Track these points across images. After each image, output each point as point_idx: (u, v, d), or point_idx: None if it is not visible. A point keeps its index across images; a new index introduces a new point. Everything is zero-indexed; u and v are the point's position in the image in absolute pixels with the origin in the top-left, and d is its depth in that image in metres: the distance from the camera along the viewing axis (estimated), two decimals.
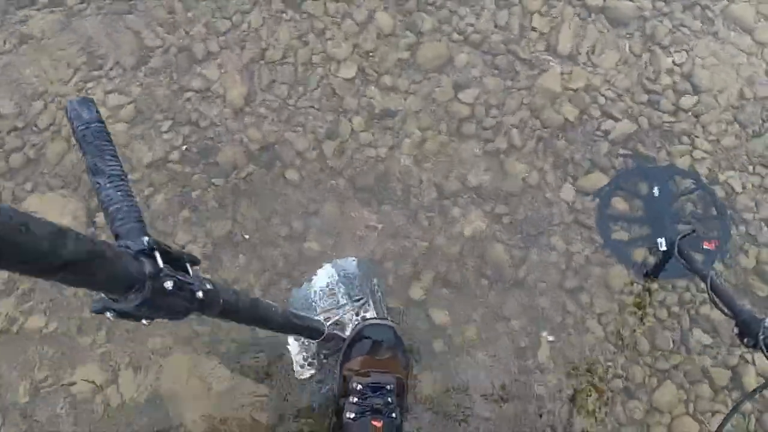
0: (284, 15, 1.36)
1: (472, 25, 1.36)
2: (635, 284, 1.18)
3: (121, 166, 0.51)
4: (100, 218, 1.18)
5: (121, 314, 0.46)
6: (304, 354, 1.10)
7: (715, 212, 1.25)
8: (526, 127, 1.29)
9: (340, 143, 1.25)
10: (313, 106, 1.28)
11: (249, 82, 1.30)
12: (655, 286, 1.18)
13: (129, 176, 1.19)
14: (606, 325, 1.15)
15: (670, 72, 1.35)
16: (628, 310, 1.16)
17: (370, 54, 1.33)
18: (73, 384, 1.08)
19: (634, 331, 1.14)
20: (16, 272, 0.34)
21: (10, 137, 1.25)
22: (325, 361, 1.08)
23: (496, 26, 1.37)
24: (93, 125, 0.48)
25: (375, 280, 1.15)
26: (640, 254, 1.20)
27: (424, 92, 1.30)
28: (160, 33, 1.34)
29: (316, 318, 1.02)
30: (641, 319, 1.15)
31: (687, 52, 1.37)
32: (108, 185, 0.50)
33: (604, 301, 1.16)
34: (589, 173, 1.26)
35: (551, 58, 1.36)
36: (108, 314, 0.45)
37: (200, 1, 1.36)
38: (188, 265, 0.54)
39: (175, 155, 1.23)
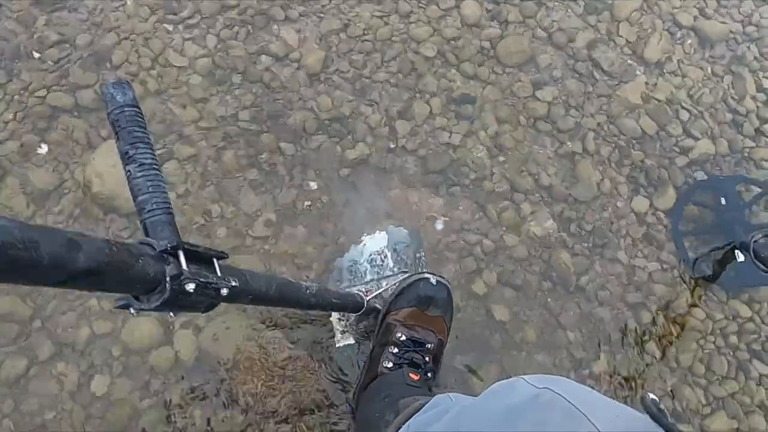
0: None
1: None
2: (699, 305, 1.15)
3: (154, 155, 0.49)
4: None
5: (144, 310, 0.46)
6: (344, 323, 1.09)
7: None
8: (602, 131, 1.26)
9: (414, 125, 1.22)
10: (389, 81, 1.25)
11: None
12: (718, 315, 1.15)
13: (202, 124, 1.18)
14: (664, 346, 1.12)
15: (754, 98, 1.32)
16: (688, 333, 1.14)
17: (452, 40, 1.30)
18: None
19: (694, 356, 1.12)
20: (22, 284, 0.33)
21: None
22: (363, 332, 1.07)
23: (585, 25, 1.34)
24: (127, 110, 0.46)
25: (422, 253, 1.13)
26: (711, 266, 1.18)
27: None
28: None
29: (356, 291, 1.00)
30: (701, 343, 1.13)
31: None
32: (138, 174, 0.48)
33: (663, 320, 1.14)
34: (663, 188, 1.23)
35: (636, 65, 1.32)
36: (131, 310, 0.45)
37: None
38: (215, 261, 0.52)
39: (245, 114, 1.21)
